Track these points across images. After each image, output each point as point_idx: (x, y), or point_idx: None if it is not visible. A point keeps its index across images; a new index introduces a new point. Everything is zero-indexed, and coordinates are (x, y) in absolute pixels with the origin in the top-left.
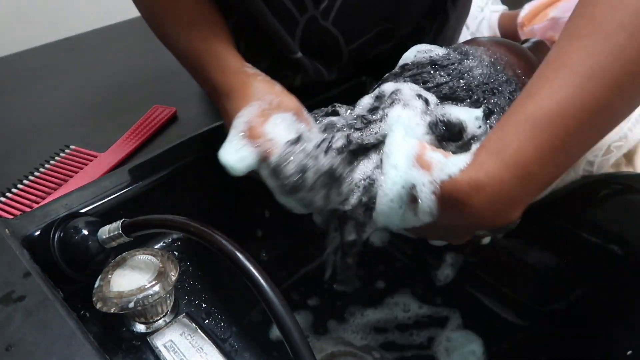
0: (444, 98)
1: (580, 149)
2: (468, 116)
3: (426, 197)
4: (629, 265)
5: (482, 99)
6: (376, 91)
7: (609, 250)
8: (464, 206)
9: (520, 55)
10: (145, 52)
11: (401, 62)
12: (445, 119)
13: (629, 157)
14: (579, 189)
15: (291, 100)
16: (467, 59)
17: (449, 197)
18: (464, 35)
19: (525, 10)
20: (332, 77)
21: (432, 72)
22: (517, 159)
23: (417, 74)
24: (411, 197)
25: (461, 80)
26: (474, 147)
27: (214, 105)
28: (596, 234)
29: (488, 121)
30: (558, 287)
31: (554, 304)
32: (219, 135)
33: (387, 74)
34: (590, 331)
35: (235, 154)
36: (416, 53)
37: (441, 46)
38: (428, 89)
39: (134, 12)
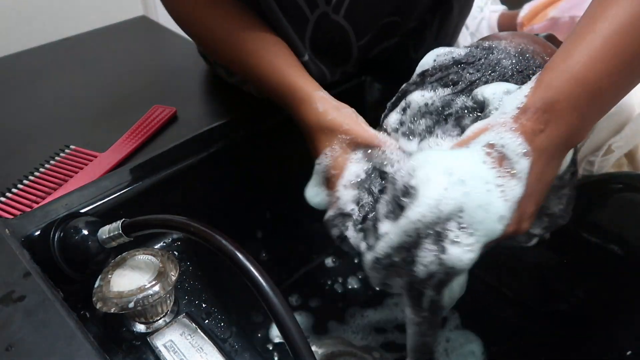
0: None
1: None
2: (495, 90)
3: (509, 139)
4: (629, 265)
5: (520, 84)
6: (402, 103)
7: (609, 250)
8: (546, 124)
9: (543, 44)
10: (145, 52)
11: (419, 69)
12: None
13: (630, 157)
14: (579, 189)
15: (365, 131)
16: (492, 53)
17: (529, 122)
18: (464, 36)
19: (524, 10)
20: (334, 79)
21: (460, 71)
22: (587, 75)
23: (443, 76)
24: (498, 160)
25: (493, 73)
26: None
27: (214, 105)
28: (596, 234)
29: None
30: (558, 287)
31: (554, 304)
32: (219, 135)
33: (405, 84)
34: (590, 331)
35: (316, 197)
36: (435, 57)
37: (450, 45)
38: (462, 91)
39: (134, 12)
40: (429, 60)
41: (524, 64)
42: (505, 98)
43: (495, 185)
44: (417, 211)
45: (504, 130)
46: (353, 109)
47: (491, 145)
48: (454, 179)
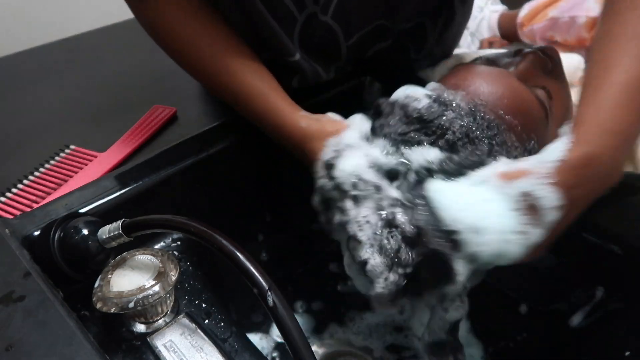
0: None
1: None
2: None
3: (546, 192)
4: (629, 265)
5: (461, 151)
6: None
7: (609, 250)
8: (586, 179)
9: (503, 92)
10: (145, 52)
11: (392, 97)
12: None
13: (630, 156)
14: None
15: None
16: (447, 111)
17: (570, 177)
18: (464, 36)
19: (524, 10)
20: (330, 77)
21: (416, 134)
22: (620, 127)
23: (406, 132)
24: (529, 209)
25: (442, 139)
26: (562, 129)
27: (214, 105)
28: (596, 234)
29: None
30: (558, 287)
31: (554, 304)
32: (219, 135)
33: (381, 103)
34: (589, 331)
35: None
36: (405, 97)
37: (423, 87)
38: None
39: None
40: (400, 94)
41: (473, 125)
42: (547, 147)
43: (517, 232)
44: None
45: (543, 182)
46: (333, 113)
47: (526, 194)
48: (477, 226)
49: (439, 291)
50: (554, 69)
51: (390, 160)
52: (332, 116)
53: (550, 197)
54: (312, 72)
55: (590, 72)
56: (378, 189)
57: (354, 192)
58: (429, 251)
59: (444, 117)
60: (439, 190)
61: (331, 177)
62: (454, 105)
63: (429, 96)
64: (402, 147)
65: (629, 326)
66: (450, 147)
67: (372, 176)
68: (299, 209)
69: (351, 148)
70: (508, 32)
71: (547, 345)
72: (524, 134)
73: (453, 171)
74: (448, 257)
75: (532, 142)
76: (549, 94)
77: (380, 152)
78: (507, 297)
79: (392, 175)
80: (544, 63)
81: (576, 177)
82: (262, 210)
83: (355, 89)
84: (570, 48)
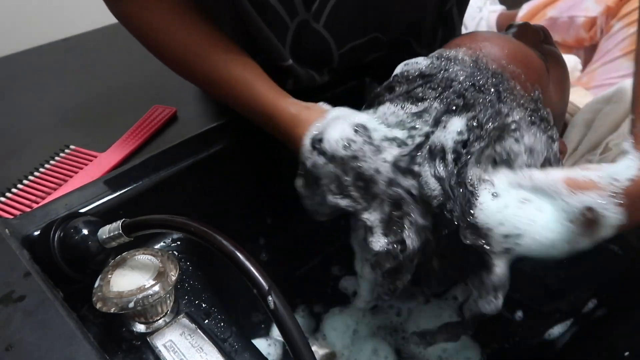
0: (441, 112)
1: None
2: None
3: (611, 212)
4: (629, 265)
5: (472, 100)
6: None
7: (609, 250)
8: None
9: (503, 44)
10: (145, 52)
11: (394, 72)
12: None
13: None
14: None
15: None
16: (450, 64)
17: (638, 199)
18: None
19: (523, 10)
20: (324, 80)
21: (422, 87)
22: None
23: (409, 90)
24: (587, 223)
25: (450, 89)
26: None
27: (214, 105)
28: None
29: (475, 124)
30: (558, 287)
31: (554, 304)
32: (219, 135)
33: (379, 89)
34: (589, 331)
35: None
36: (403, 67)
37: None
38: (427, 110)
39: None
40: (398, 69)
41: (477, 75)
42: (620, 161)
43: (565, 242)
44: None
45: (611, 201)
46: (324, 103)
47: (590, 210)
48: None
49: (478, 279)
50: (546, 39)
51: (392, 129)
52: (323, 105)
53: (614, 218)
54: (306, 76)
55: None
56: (376, 149)
57: (351, 155)
58: (462, 244)
59: (449, 70)
60: (482, 186)
61: (321, 152)
62: (458, 59)
63: (430, 57)
64: (409, 105)
65: (629, 326)
66: (459, 97)
67: (360, 137)
68: (299, 208)
69: (336, 119)
70: None
71: (547, 345)
72: (527, 82)
73: (486, 137)
74: (482, 251)
75: (537, 92)
76: (544, 56)
77: (368, 115)
78: (507, 297)
79: (395, 141)
80: (536, 32)
81: None
82: (262, 210)
83: (355, 89)
84: (569, 48)
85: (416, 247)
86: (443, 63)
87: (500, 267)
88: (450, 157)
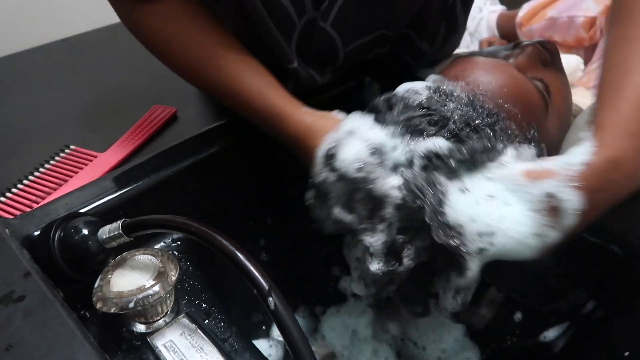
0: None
1: None
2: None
3: (570, 196)
4: (629, 265)
5: (465, 139)
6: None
7: (609, 250)
8: (610, 183)
9: (502, 80)
10: (145, 52)
11: (392, 93)
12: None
13: None
14: None
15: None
16: (447, 101)
17: (595, 181)
18: (462, 36)
19: (523, 10)
20: (326, 80)
21: (420, 119)
22: None
23: (410, 118)
24: (551, 211)
25: (445, 130)
26: (579, 134)
27: (214, 105)
28: (596, 234)
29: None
30: (558, 287)
31: (554, 304)
32: (219, 135)
33: (380, 99)
34: (589, 332)
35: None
36: (405, 91)
37: (423, 79)
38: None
39: None
40: (399, 90)
41: (473, 115)
42: (574, 148)
43: (534, 234)
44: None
45: (568, 185)
46: (339, 111)
47: (550, 196)
48: (490, 226)
49: (449, 281)
50: (553, 62)
51: (397, 144)
52: (338, 114)
53: (574, 201)
54: (307, 77)
55: (606, 77)
56: (382, 171)
57: (359, 177)
58: (435, 244)
59: (445, 107)
60: (452, 185)
61: (333, 169)
62: (454, 95)
63: (429, 88)
64: (408, 135)
65: (629, 326)
66: (454, 137)
67: (375, 159)
68: (299, 208)
69: (351, 135)
70: (507, 32)
71: (546, 346)
72: (524, 122)
73: (465, 159)
74: (456, 251)
75: (533, 131)
76: (546, 86)
77: (384, 134)
78: (507, 297)
79: (396, 163)
80: (542, 56)
81: (601, 181)
82: (262, 210)
83: (355, 89)
84: (568, 48)
85: (411, 266)
86: (441, 99)
87: (472, 271)
88: (420, 162)
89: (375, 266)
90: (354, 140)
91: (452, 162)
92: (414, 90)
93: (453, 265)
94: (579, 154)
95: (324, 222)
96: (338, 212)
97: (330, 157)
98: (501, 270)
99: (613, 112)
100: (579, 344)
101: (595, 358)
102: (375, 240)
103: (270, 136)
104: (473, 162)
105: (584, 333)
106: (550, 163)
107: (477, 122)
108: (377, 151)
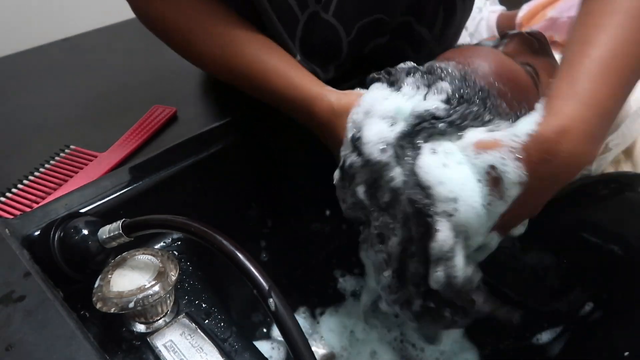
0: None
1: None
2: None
3: (511, 168)
4: (629, 265)
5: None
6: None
7: (609, 250)
8: (555, 154)
9: (491, 61)
10: (145, 52)
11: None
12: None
13: (628, 153)
14: (578, 189)
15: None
16: (441, 76)
17: (537, 153)
18: (463, 36)
19: (523, 11)
20: (329, 76)
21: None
22: (595, 99)
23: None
24: (492, 181)
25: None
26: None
27: (214, 105)
28: (596, 234)
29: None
30: (558, 287)
31: (554, 304)
32: (219, 135)
33: (381, 71)
34: (589, 332)
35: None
36: (402, 65)
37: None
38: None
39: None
40: (399, 66)
41: (465, 89)
42: (523, 119)
43: (481, 204)
44: None
45: (509, 157)
46: (360, 88)
47: (493, 168)
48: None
49: (426, 252)
50: (541, 48)
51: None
52: (360, 91)
53: (514, 173)
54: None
55: (567, 49)
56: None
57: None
58: (407, 207)
59: (437, 83)
60: (427, 148)
61: (360, 153)
62: (448, 71)
63: (421, 69)
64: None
65: (629, 326)
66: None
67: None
68: (299, 208)
69: (369, 114)
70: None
71: (546, 346)
72: (514, 101)
73: (457, 119)
74: (426, 212)
75: (523, 110)
76: (535, 69)
77: (402, 98)
78: (507, 297)
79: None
80: (530, 42)
81: (545, 153)
82: (262, 210)
83: (357, 87)
84: None
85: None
86: (434, 77)
87: (443, 233)
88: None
89: (385, 307)
90: (374, 120)
91: (443, 125)
92: (411, 65)
93: (427, 233)
94: (526, 124)
95: (344, 204)
96: (361, 192)
97: (356, 139)
98: (502, 271)
99: (566, 82)
100: (578, 344)
101: (596, 358)
102: (392, 243)
103: (260, 128)
104: (461, 129)
105: (583, 333)
106: (500, 134)
107: (470, 95)
108: (395, 122)
